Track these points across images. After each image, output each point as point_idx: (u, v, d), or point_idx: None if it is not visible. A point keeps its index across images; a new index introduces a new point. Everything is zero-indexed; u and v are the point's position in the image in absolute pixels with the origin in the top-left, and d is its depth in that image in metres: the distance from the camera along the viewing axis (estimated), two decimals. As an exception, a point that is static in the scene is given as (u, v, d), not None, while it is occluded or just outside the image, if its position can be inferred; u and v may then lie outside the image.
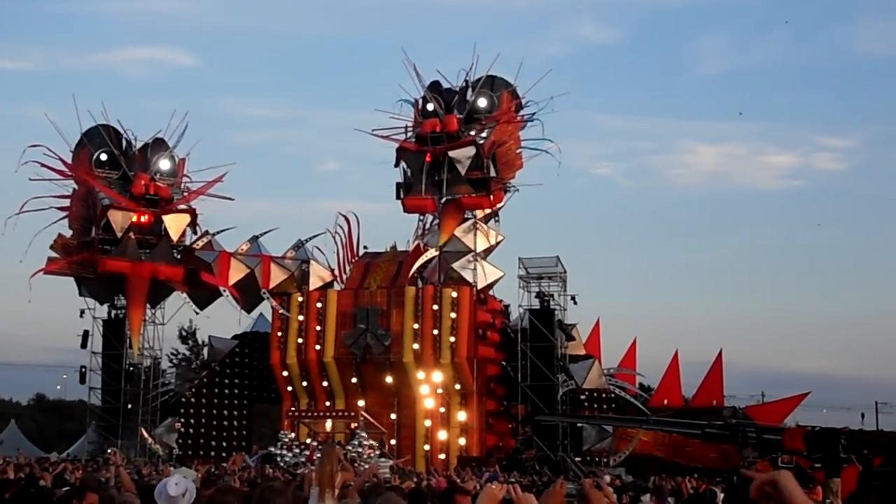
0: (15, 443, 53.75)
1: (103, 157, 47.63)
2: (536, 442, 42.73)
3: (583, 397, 45.40)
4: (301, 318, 44.47)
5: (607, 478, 22.41)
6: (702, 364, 50.09)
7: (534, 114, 45.72)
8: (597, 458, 43.79)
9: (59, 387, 76.66)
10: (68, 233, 46.71)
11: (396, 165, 45.80)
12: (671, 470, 42.58)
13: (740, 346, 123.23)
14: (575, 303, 45.73)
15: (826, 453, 18.05)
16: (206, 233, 47.27)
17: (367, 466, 27.73)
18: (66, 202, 46.85)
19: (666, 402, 48.74)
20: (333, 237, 46.22)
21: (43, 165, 45.71)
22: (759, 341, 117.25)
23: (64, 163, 46.57)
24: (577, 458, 42.40)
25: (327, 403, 44.60)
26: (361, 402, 43.12)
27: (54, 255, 46.05)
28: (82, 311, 47.36)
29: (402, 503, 6.46)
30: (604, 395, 45.98)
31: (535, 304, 45.17)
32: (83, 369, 47.69)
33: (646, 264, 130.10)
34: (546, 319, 44.27)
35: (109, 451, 18.08)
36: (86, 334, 47.27)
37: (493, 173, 44.67)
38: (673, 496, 23.38)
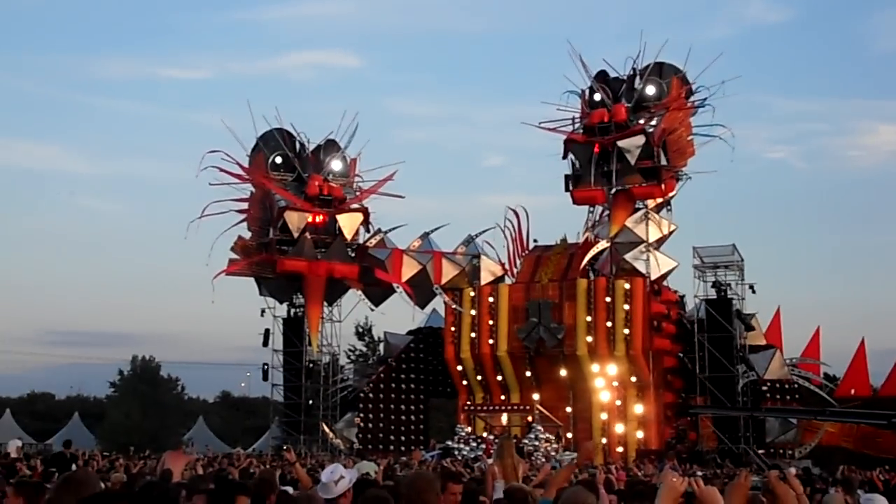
0: (203, 439, 55.94)
1: (278, 159, 48.91)
2: (717, 434, 41.77)
3: (764, 388, 44.13)
4: (473, 312, 44.59)
5: (792, 470, 21.64)
6: (891, 352, 48.25)
7: (704, 99, 44.72)
8: (781, 451, 42.48)
9: (243, 384, 79.49)
10: (247, 235, 48.18)
11: (564, 157, 45.46)
12: (860, 462, 41.06)
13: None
14: (753, 291, 44.55)
15: None
16: (379, 231, 48.03)
17: (543, 460, 27.64)
18: (245, 205, 48.31)
19: (853, 391, 46.93)
20: (503, 231, 46.20)
21: (221, 170, 47.27)
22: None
23: (241, 167, 48.04)
24: (761, 451, 41.25)
25: (502, 397, 44.60)
26: (536, 396, 42.96)
27: (235, 256, 47.53)
28: (263, 311, 48.86)
29: (590, 496, 6.29)
30: (787, 386, 44.58)
31: (712, 293, 44.17)
32: (265, 367, 49.10)
33: (826, 249, 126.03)
34: (723, 309, 43.22)
35: (285, 448, 18.39)
36: (267, 333, 48.66)
37: (663, 162, 43.85)
38: (863, 489, 22.45)
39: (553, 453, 36.24)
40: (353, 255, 47.91)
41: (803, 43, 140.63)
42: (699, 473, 25.45)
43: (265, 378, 49.54)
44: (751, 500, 7.06)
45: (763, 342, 46.12)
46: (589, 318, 42.39)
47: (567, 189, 45.26)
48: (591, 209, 46.65)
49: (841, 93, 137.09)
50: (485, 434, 40.53)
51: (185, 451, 16.08)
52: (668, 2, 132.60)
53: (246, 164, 48.30)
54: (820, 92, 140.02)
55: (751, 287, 44.45)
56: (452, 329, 45.05)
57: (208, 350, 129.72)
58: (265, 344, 48.76)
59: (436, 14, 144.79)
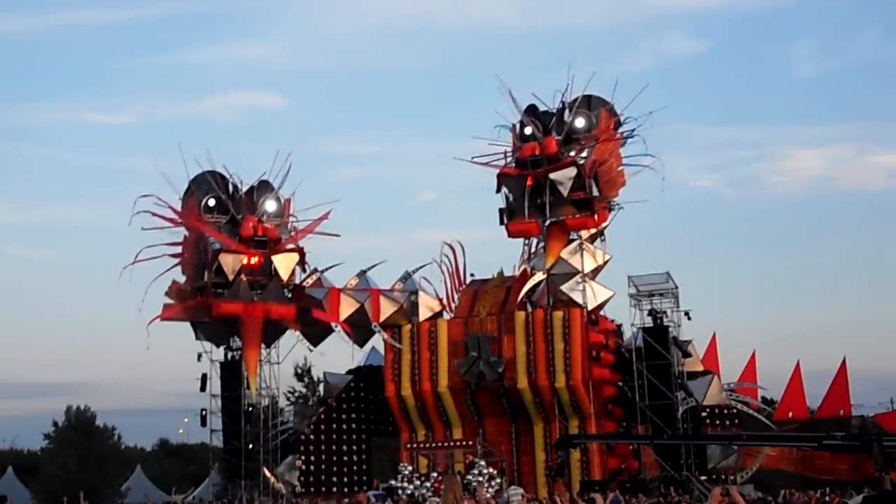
0: (142, 488, 54.97)
1: (211, 202, 48.48)
2: (659, 462, 41.98)
3: (704, 414, 44.48)
4: (413, 349, 44.51)
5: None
6: (825, 373, 48.81)
7: (633, 130, 45.18)
8: (723, 476, 42.77)
9: (181, 431, 78.20)
10: (182, 279, 47.62)
11: (498, 191, 45.63)
12: (801, 484, 41.56)
13: (865, 353, 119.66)
14: (689, 318, 44.79)
15: None
16: (315, 270, 47.73)
17: (488, 496, 27.55)
18: (178, 249, 47.77)
19: (791, 414, 47.59)
20: (440, 266, 46.24)
21: (154, 214, 46.69)
22: (883, 346, 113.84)
23: (174, 210, 47.56)
24: (703, 477, 41.50)
25: (445, 433, 44.48)
26: (479, 431, 42.91)
27: (169, 301, 46.96)
28: (200, 355, 48.11)
29: None
30: (726, 411, 44.97)
31: (648, 321, 44.44)
32: (203, 412, 48.42)
33: (758, 274, 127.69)
34: (660, 337, 43.52)
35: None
36: (204, 377, 48.01)
37: (595, 192, 44.19)
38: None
39: (497, 489, 36.13)
40: (289, 295, 47.52)
41: (722, 72, 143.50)
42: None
43: (203, 424, 48.81)
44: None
45: (700, 368, 46.56)
46: (528, 351, 42.52)
47: (502, 222, 45.40)
48: (527, 241, 46.84)
49: (762, 120, 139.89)
50: (427, 472, 40.35)
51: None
52: (593, 35, 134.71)
53: (179, 208, 47.84)
54: (742, 120, 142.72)
55: (686, 314, 44.77)
56: (392, 366, 44.89)
57: (145, 397, 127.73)
58: (203, 389, 48.09)
59: (363, 53, 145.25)
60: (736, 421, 44.77)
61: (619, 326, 46.97)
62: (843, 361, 47.44)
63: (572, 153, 44.83)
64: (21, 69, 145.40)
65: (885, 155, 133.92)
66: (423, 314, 45.17)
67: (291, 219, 49.47)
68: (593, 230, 45.05)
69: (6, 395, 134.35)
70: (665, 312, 44.52)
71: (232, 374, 48.63)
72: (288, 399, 59.45)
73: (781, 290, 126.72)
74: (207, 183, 48.58)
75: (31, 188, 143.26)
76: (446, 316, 45.66)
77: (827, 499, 26.09)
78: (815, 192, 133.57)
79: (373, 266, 47.18)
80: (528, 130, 45.41)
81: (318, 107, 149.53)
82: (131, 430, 76.43)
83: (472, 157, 45.88)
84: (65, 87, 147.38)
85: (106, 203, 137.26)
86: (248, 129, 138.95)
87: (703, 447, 42.47)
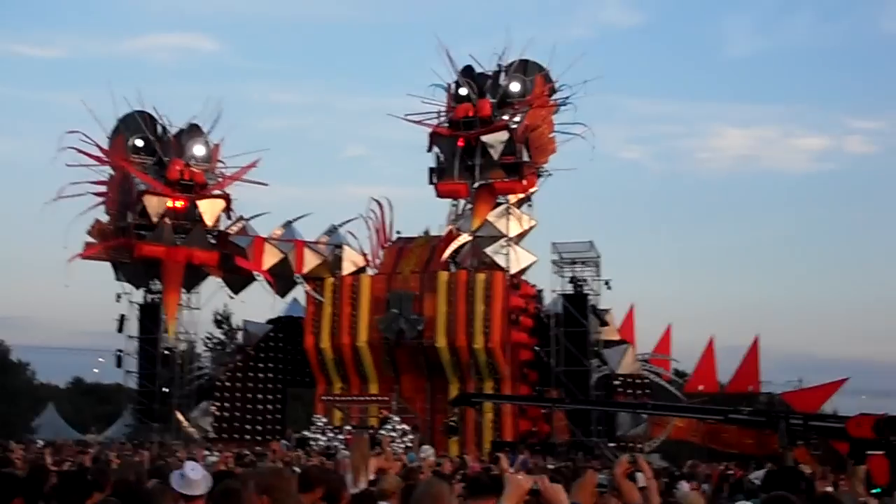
0: (53, 426, 54.43)
1: (139, 142, 47.92)
2: (570, 427, 42.63)
3: (616, 383, 45.21)
4: (334, 302, 44.58)
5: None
6: (737, 349, 49.90)
7: (567, 98, 45.54)
8: (631, 444, 43.62)
9: (96, 370, 77.29)
10: (105, 218, 47.06)
11: (429, 150, 45.79)
12: (707, 456, 42.53)
13: (776, 331, 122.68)
14: (609, 288, 45.53)
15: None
16: (241, 218, 47.48)
17: (400, 452, 27.84)
18: (103, 188, 47.17)
19: (701, 387, 48.57)
20: (366, 222, 46.31)
21: (80, 151, 46.12)
22: (795, 326, 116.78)
23: (100, 149, 46.93)
24: (611, 444, 42.29)
25: (361, 388, 44.73)
26: (395, 387, 43.23)
27: (91, 240, 46.46)
28: (119, 296, 47.68)
29: (444, 486, 6.40)
30: (638, 381, 45.76)
31: (569, 289, 45.04)
32: (120, 353, 48.03)
33: (679, 249, 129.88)
34: (579, 304, 44.13)
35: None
36: (122, 318, 47.59)
37: (525, 158, 44.50)
38: (707, 482, 23.30)
39: (410, 445, 36.44)
40: (213, 241, 47.23)
41: (658, 46, 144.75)
42: (550, 466, 26.00)
43: (119, 364, 48.44)
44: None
45: (617, 337, 47.33)
46: (449, 311, 42.84)
47: (431, 182, 45.58)
48: (454, 202, 47.04)
49: (693, 96, 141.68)
50: (341, 425, 40.57)
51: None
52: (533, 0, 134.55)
53: (105, 146, 47.19)
54: (673, 95, 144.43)
55: (606, 283, 45.49)
56: (312, 318, 44.92)
57: (61, 335, 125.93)
58: (120, 330, 47.66)
59: (299, 1, 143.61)
60: (647, 391, 45.58)
61: (540, 292, 47.47)
62: (756, 339, 48.48)
63: (505, 117, 45.05)
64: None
65: (809, 138, 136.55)
66: (347, 268, 45.21)
67: (219, 164, 49.13)
68: (521, 195, 45.42)
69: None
70: (585, 280, 45.16)
71: (150, 316, 48.26)
72: (205, 345, 59.14)
73: (700, 265, 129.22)
74: (136, 123, 47.97)
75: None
76: (370, 272, 45.76)
77: (730, 472, 26.73)
78: (740, 171, 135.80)
79: (299, 217, 47.15)
80: (462, 91, 45.48)
81: (250, 53, 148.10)
82: (45, 367, 75.44)
83: (406, 115, 45.96)
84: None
85: (31, 137, 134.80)
86: (178, 72, 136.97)
87: (614, 415, 43.24)
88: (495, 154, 44.11)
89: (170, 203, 46.35)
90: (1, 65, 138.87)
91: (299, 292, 46.73)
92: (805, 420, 22.91)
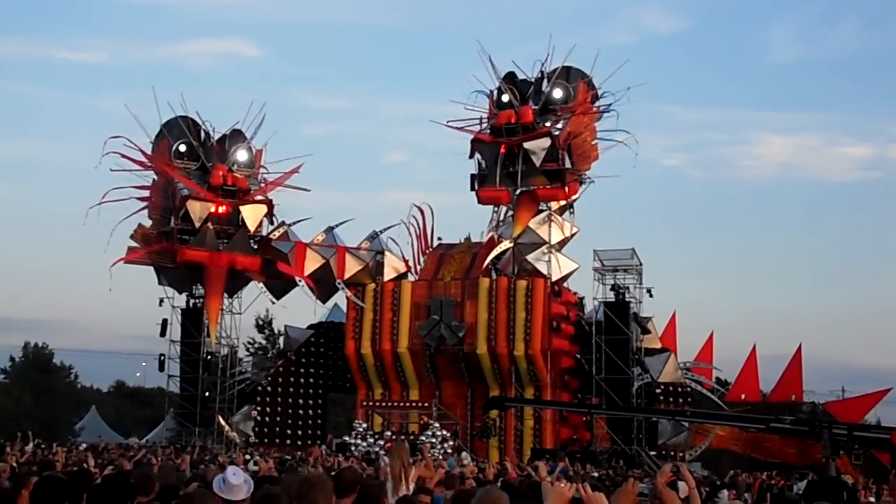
0: (96, 429, 54.95)
1: (182, 147, 48.28)
2: (611, 435, 42.41)
3: (658, 391, 44.98)
4: (375, 308, 44.62)
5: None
6: (780, 358, 49.39)
7: (610, 104, 45.38)
8: (672, 453, 43.35)
9: (138, 374, 78.21)
10: (148, 223, 47.41)
11: (471, 157, 45.71)
12: (749, 465, 42.16)
13: (820, 341, 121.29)
14: (651, 295, 45.34)
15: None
16: (283, 223, 47.66)
17: (440, 458, 27.78)
18: (146, 193, 47.54)
19: (743, 396, 48.07)
20: (408, 228, 46.31)
21: (123, 156, 46.49)
22: (839, 336, 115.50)
23: (144, 154, 47.30)
24: (653, 452, 42.01)
25: (402, 394, 44.75)
26: (435, 393, 43.21)
27: (134, 244, 46.80)
28: (161, 300, 48.12)
29: (503, 495, 6.30)
30: (679, 389, 45.51)
31: (610, 296, 44.84)
32: (162, 357, 48.47)
33: (723, 257, 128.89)
34: (621, 312, 43.92)
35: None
36: (165, 323, 48.01)
37: (568, 164, 44.36)
38: (749, 491, 23.08)
39: (450, 451, 36.42)
40: (255, 247, 47.47)
41: (700, 53, 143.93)
42: (594, 474, 25.86)
43: (161, 368, 48.90)
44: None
45: (658, 345, 47.04)
46: (490, 317, 42.75)
47: (473, 188, 45.51)
48: (496, 209, 46.97)
49: (736, 103, 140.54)
50: (381, 430, 40.61)
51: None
52: (575, 6, 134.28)
53: (149, 151, 47.56)
54: (716, 102, 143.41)
55: (648, 291, 45.29)
56: (354, 324, 44.98)
57: (104, 338, 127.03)
58: (162, 334, 48.13)
59: (342, 7, 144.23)
60: (689, 399, 45.31)
61: (582, 299, 47.36)
62: (799, 348, 47.97)
63: (548, 124, 44.90)
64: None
65: (853, 146, 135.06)
66: (388, 274, 45.22)
67: (262, 170, 49.36)
68: (563, 202, 45.27)
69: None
70: (627, 288, 44.95)
71: (193, 321, 48.61)
72: (247, 350, 59.53)
73: (743, 273, 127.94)
74: (179, 128, 48.32)
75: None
76: (411, 278, 45.75)
77: (772, 481, 26.48)
78: (783, 179, 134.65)
79: (341, 223, 47.24)
80: (505, 98, 45.42)
81: (293, 58, 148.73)
82: (88, 370, 76.28)
83: (448, 121, 45.96)
84: (37, 23, 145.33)
85: (74, 142, 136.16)
86: (222, 77, 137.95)
87: (655, 423, 42.96)
88: (537, 161, 43.98)
89: (212, 208, 46.62)
90: (45, 70, 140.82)
91: (340, 298, 46.89)
92: (850, 430, 22.70)
